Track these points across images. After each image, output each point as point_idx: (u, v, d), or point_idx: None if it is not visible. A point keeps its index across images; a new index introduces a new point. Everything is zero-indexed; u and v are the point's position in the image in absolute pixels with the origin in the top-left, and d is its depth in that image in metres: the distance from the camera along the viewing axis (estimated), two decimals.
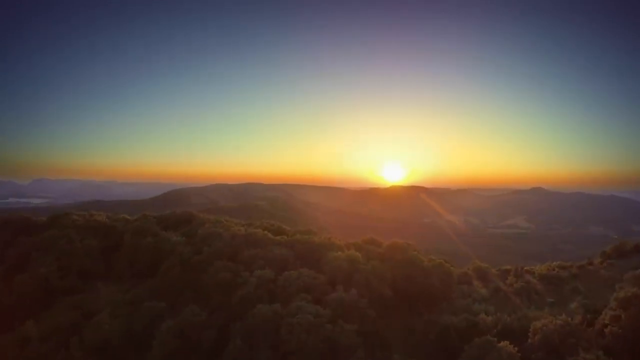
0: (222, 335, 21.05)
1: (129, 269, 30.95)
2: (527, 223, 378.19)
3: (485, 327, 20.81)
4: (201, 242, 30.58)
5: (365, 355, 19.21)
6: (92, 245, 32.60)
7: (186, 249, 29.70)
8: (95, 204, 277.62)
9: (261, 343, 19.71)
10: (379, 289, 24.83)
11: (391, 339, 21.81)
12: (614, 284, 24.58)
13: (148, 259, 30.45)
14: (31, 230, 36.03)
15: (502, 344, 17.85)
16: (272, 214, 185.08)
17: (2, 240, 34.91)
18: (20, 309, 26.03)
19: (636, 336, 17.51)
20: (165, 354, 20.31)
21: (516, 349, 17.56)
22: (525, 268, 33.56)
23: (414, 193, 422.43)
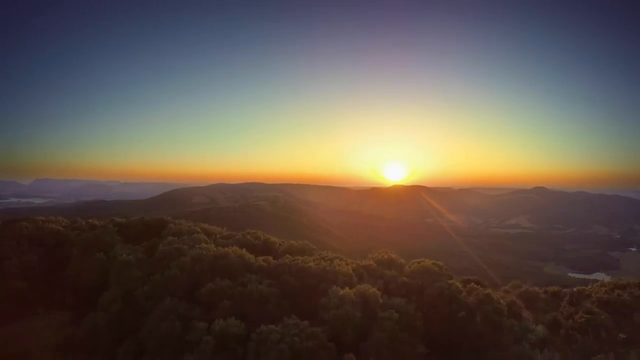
0: None
1: (72, 294, 25.46)
2: (530, 223, 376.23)
3: None
4: (158, 262, 23.45)
5: None
6: (32, 263, 26.92)
7: (136, 273, 23.13)
8: (96, 203, 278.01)
9: None
10: (409, 351, 16.65)
11: None
12: None
13: (94, 281, 24.78)
14: None
15: None
16: (273, 214, 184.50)
17: None
18: None
19: None
20: None
21: None
22: (579, 289, 28.21)
23: (416, 192, 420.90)
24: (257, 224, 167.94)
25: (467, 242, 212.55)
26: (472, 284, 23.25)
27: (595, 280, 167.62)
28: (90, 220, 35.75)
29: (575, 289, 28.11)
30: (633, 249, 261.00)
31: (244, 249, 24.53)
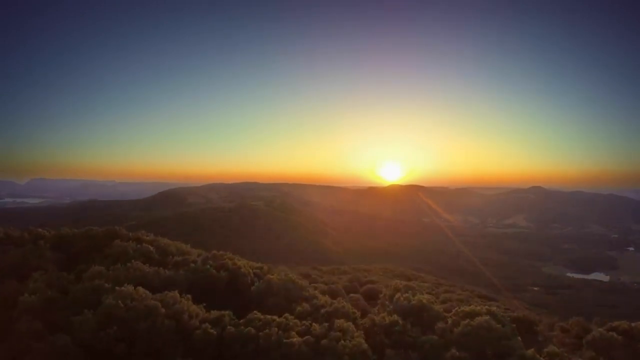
0: None
1: None
2: (527, 222, 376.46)
3: None
4: (64, 310, 12.95)
5: None
6: None
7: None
8: (92, 203, 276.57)
9: None
10: None
11: None
12: None
13: None
14: None
15: None
16: (268, 214, 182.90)
17: None
18: None
19: None
20: None
21: None
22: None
23: (412, 192, 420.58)
24: (252, 225, 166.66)
25: (464, 241, 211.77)
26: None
27: (595, 280, 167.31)
28: (29, 229, 25.75)
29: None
30: (631, 249, 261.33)
31: (190, 297, 13.62)
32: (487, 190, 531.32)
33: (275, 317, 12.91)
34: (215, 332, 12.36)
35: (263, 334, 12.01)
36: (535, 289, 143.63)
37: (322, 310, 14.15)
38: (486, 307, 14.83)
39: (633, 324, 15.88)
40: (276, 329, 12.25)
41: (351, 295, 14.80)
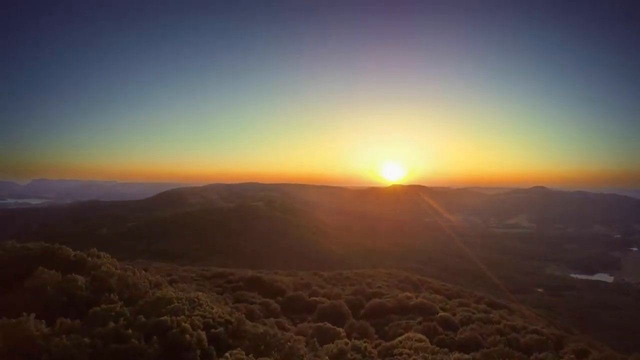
0: None
1: None
2: (530, 222, 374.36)
3: None
4: None
5: None
6: None
7: None
8: (93, 204, 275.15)
9: None
10: None
11: None
12: None
13: None
14: None
15: None
16: (268, 215, 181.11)
17: None
18: None
19: None
20: None
21: None
22: None
23: (414, 192, 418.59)
24: (252, 225, 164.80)
25: (466, 242, 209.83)
26: None
27: (599, 281, 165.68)
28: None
29: None
30: (634, 249, 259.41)
31: None
32: (489, 190, 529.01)
33: None
34: None
35: None
36: (539, 290, 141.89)
37: None
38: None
39: None
40: None
41: (355, 322, 12.89)
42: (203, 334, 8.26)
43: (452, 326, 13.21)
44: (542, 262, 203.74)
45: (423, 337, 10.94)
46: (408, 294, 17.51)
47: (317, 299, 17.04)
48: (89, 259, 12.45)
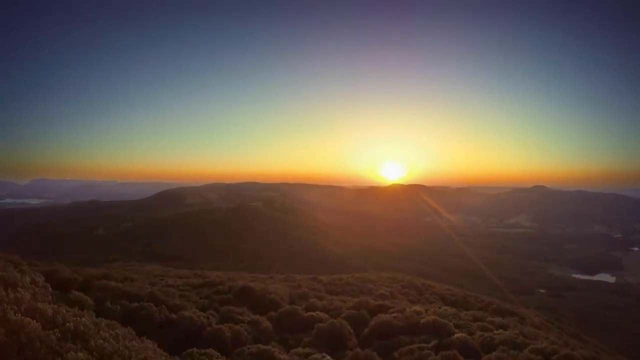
0: None
1: None
2: (530, 222, 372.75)
3: None
4: None
5: None
6: None
7: None
8: (92, 204, 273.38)
9: None
10: None
11: None
12: None
13: None
14: None
15: None
16: (267, 215, 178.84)
17: None
18: None
19: None
20: None
21: None
22: None
23: (414, 191, 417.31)
24: (251, 226, 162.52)
25: (466, 242, 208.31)
26: None
27: (601, 282, 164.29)
28: None
29: None
30: (635, 249, 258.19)
31: None
32: (489, 190, 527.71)
33: None
34: None
35: None
36: (542, 291, 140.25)
37: None
38: None
39: None
40: None
41: (359, 351, 10.87)
42: None
43: (473, 353, 11.28)
44: (542, 262, 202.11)
45: None
46: (417, 308, 15.50)
47: (314, 314, 15.05)
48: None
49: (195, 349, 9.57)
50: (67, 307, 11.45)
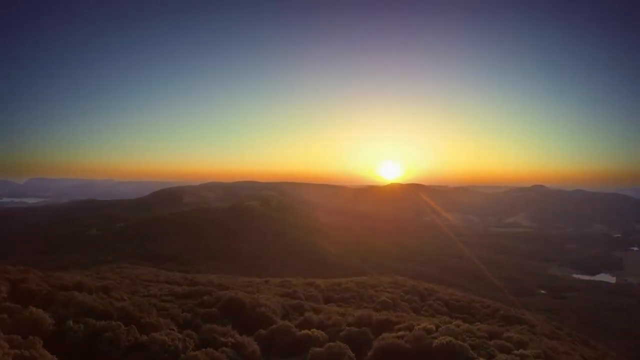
0: None
1: None
2: (529, 221, 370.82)
3: None
4: None
5: None
6: None
7: None
8: (89, 203, 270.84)
9: None
10: None
11: None
12: None
13: None
14: None
15: None
16: (264, 215, 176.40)
17: None
18: None
19: None
20: None
21: None
22: None
23: (412, 191, 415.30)
24: (247, 226, 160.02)
25: (466, 241, 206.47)
26: None
27: (601, 282, 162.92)
28: None
29: None
30: (635, 249, 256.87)
31: None
32: (487, 189, 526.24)
33: None
34: None
35: None
36: (543, 292, 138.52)
37: None
38: None
39: None
40: None
41: None
42: None
43: None
44: (543, 262, 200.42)
45: None
46: (427, 324, 13.53)
47: (310, 333, 13.08)
48: None
49: None
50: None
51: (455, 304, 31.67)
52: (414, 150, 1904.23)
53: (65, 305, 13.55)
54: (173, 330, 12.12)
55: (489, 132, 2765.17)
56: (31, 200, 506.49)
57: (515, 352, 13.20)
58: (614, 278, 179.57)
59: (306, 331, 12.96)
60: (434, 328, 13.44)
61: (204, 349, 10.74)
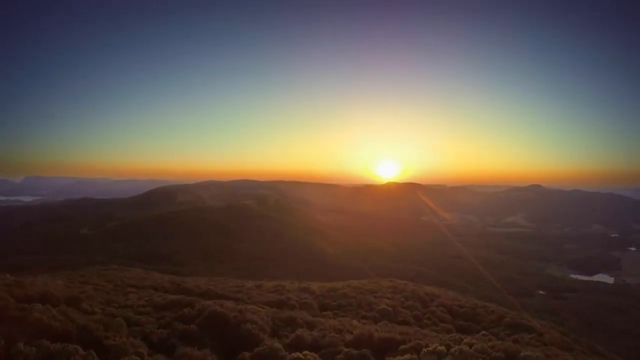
0: None
1: None
2: (527, 221, 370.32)
3: None
4: None
5: None
6: None
7: None
8: (84, 201, 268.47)
9: None
10: None
11: None
12: None
13: None
14: None
15: None
16: (260, 214, 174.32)
17: None
18: None
19: None
20: None
21: None
22: None
23: (409, 190, 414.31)
24: (242, 226, 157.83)
25: (464, 241, 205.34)
26: None
27: (599, 282, 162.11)
28: None
29: None
30: (633, 249, 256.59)
31: None
32: (485, 188, 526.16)
33: None
34: None
35: None
36: (541, 292, 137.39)
37: None
38: None
39: None
40: None
41: None
42: None
43: None
44: (542, 262, 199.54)
45: None
46: (438, 346, 11.72)
47: (301, 356, 11.25)
48: None
49: None
50: None
51: (458, 310, 29.90)
52: (411, 149, 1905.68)
53: (19, 323, 11.79)
54: (141, 354, 10.31)
55: (487, 131, 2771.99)
56: (26, 198, 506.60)
57: None
58: (612, 278, 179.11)
59: (298, 354, 11.19)
60: (444, 350, 11.67)
61: None
